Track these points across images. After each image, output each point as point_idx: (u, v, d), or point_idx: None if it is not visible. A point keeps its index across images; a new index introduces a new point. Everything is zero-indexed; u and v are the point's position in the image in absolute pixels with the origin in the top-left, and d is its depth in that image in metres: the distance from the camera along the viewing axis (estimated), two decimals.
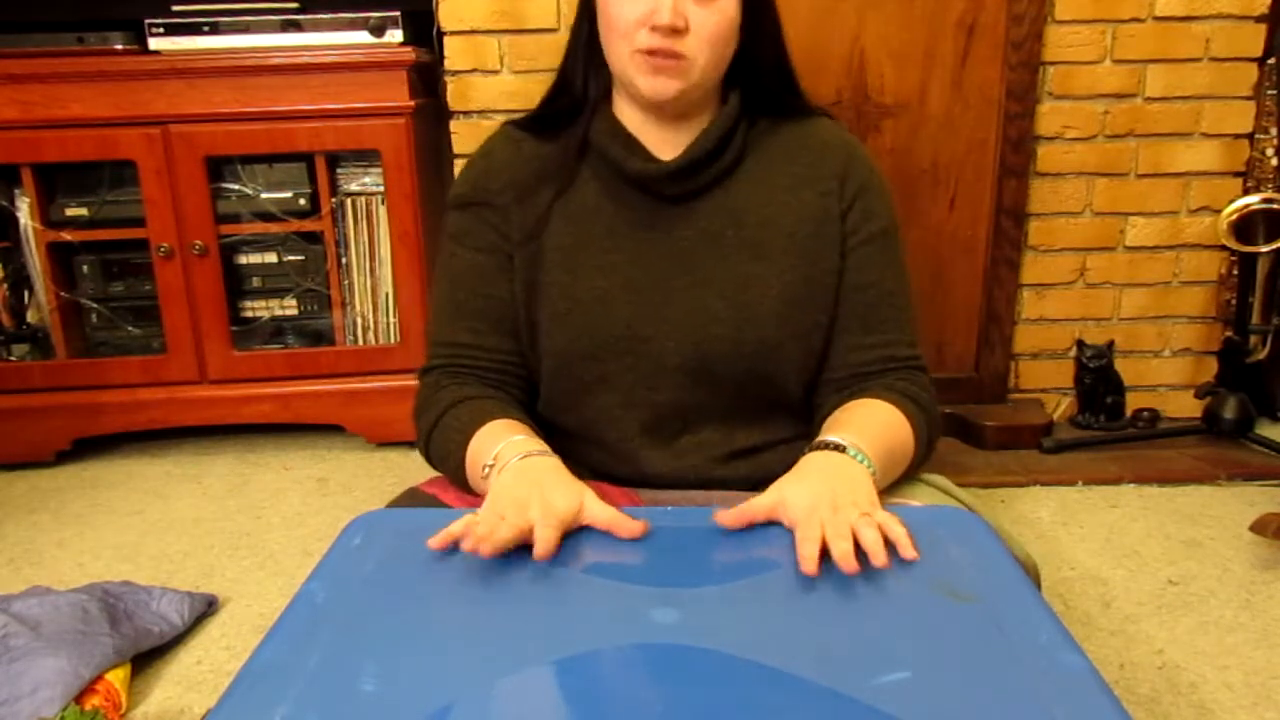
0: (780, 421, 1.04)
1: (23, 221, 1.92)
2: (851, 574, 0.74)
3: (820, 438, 0.92)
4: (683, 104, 0.97)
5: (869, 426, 0.93)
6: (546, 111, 1.05)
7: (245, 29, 1.85)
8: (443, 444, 0.98)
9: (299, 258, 2.01)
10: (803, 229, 1.00)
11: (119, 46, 1.86)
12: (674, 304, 0.98)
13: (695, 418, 1.01)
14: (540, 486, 0.84)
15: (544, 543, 0.78)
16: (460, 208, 1.04)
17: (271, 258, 2.00)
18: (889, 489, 0.95)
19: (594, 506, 0.84)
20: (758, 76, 1.01)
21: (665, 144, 1.00)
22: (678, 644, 0.66)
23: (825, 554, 0.77)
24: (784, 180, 1.01)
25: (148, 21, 1.84)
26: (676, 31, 0.90)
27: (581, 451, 1.04)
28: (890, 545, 0.78)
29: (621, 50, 0.93)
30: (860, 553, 0.76)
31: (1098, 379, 1.99)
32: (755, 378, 1.00)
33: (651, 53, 0.91)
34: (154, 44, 1.84)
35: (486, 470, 0.91)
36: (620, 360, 0.99)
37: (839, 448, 0.88)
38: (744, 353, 0.98)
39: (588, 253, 1.00)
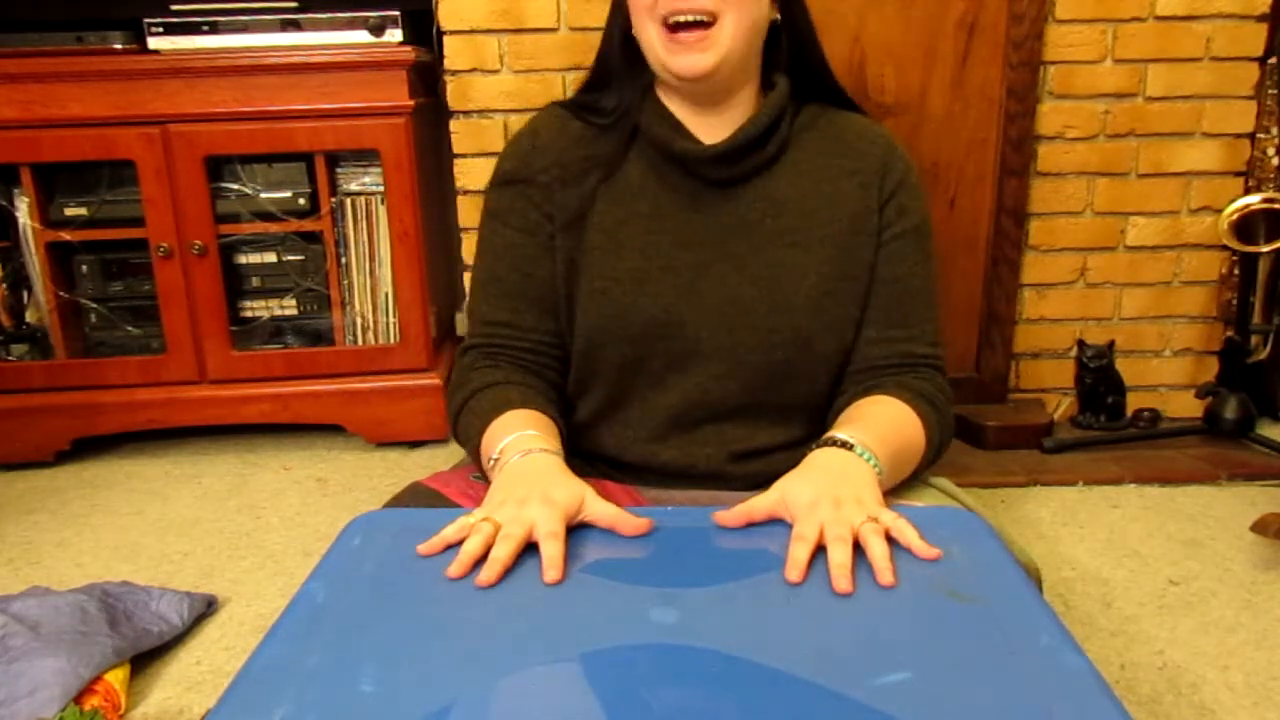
0: (800, 423, 1.04)
1: (22, 221, 1.92)
2: (844, 594, 0.71)
3: (827, 434, 0.91)
4: (719, 82, 0.96)
5: (879, 425, 0.93)
6: (591, 101, 1.05)
7: (244, 28, 1.85)
8: (465, 428, 1.00)
9: (298, 257, 2.00)
10: (840, 221, 1.00)
11: (118, 46, 1.86)
12: (709, 290, 0.99)
13: (721, 409, 1.01)
14: (540, 483, 0.84)
15: (552, 563, 0.75)
16: (504, 184, 1.05)
17: (271, 257, 2.00)
18: (894, 489, 0.95)
19: (595, 503, 0.84)
20: (800, 62, 1.02)
21: (711, 130, 1.00)
22: (678, 644, 0.66)
23: (820, 555, 0.76)
24: (826, 172, 1.02)
25: (147, 21, 1.83)
26: None
27: (599, 436, 1.04)
28: (900, 550, 0.77)
29: (651, 33, 0.94)
30: (860, 563, 0.75)
31: (1098, 379, 1.98)
32: (785, 369, 1.00)
33: (675, 28, 0.92)
34: (153, 43, 1.84)
35: (492, 463, 0.92)
36: (652, 344, 1.00)
37: (846, 445, 0.88)
38: (775, 341, 0.98)
39: (630, 231, 1.00)
